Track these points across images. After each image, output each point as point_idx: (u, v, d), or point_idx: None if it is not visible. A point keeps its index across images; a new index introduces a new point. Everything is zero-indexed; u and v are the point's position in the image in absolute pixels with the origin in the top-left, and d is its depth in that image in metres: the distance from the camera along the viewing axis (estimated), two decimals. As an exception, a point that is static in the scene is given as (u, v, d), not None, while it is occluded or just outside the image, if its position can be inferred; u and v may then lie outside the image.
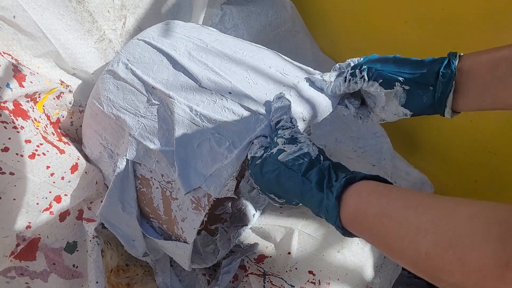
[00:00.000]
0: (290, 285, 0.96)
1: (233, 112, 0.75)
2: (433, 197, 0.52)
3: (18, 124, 0.75)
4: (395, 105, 0.77)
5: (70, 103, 0.94)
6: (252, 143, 0.73)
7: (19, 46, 0.85)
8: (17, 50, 0.85)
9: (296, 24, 1.30)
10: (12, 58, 0.83)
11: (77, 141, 0.98)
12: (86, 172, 0.88)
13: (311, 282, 0.96)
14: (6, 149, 0.73)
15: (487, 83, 0.67)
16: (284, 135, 0.70)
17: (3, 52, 0.81)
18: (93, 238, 0.89)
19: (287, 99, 0.74)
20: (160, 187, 0.80)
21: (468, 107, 0.71)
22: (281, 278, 0.98)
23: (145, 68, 0.84)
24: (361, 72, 0.77)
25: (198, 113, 0.76)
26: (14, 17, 0.81)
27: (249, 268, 1.02)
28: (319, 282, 0.95)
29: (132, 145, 0.81)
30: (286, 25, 1.27)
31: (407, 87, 0.74)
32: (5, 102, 0.75)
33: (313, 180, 0.63)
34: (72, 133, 0.97)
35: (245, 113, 0.75)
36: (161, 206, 0.82)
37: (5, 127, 0.73)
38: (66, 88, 0.93)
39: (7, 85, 0.76)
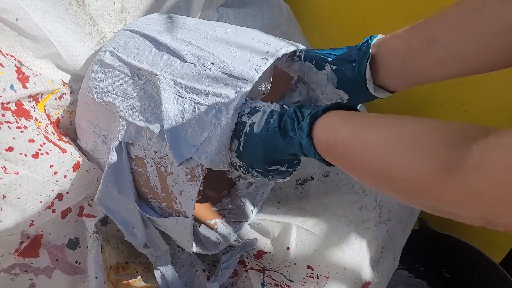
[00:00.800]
0: (289, 279, 0.97)
1: (216, 81, 0.77)
2: (393, 117, 0.56)
3: (22, 124, 0.76)
4: (332, 88, 0.81)
5: (71, 103, 0.95)
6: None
7: (21, 47, 0.85)
8: (19, 51, 0.85)
9: (292, 26, 1.30)
10: (15, 59, 0.83)
11: (76, 140, 0.98)
12: (87, 170, 0.89)
13: (310, 277, 0.96)
14: (10, 149, 0.74)
15: (405, 60, 0.70)
16: (245, 111, 0.74)
17: (6, 54, 0.82)
18: (93, 233, 0.90)
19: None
20: (154, 164, 0.81)
21: (394, 83, 0.75)
22: (280, 273, 0.98)
23: (131, 53, 0.86)
24: (300, 52, 0.83)
25: (183, 86, 0.78)
26: (16, 19, 0.81)
27: (248, 263, 1.03)
28: (318, 277, 0.96)
29: (123, 126, 0.82)
30: (282, 27, 1.27)
31: (334, 66, 0.78)
32: (8, 103, 0.75)
33: (288, 128, 0.67)
34: (71, 132, 0.97)
35: (229, 80, 0.76)
36: (157, 183, 0.83)
37: (9, 127, 0.73)
38: (68, 89, 0.93)
39: (11, 86, 0.76)
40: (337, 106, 0.65)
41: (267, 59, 0.78)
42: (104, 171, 0.84)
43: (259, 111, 0.72)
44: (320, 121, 0.63)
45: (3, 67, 0.76)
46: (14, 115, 0.75)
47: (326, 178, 1.21)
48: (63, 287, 0.88)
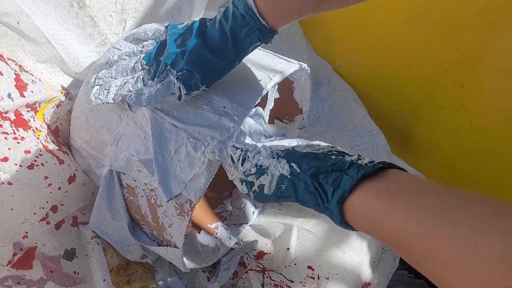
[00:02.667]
0: (289, 280, 0.95)
1: (207, 117, 0.73)
2: (444, 212, 0.42)
3: (19, 135, 0.74)
4: None
5: (69, 111, 0.92)
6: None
7: (23, 51, 0.83)
8: (21, 55, 0.83)
9: (292, 27, 1.29)
10: (16, 64, 0.81)
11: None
12: (83, 184, 0.87)
13: (310, 277, 0.95)
14: (5, 159, 0.72)
15: None
16: (250, 171, 0.65)
17: (8, 58, 0.79)
18: (92, 239, 0.88)
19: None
20: (145, 195, 0.79)
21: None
22: (280, 273, 0.96)
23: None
24: None
25: (173, 120, 0.74)
26: (18, 23, 0.79)
27: (248, 264, 1.01)
28: (318, 277, 0.94)
29: (114, 155, 0.79)
30: (283, 28, 1.24)
31: None
32: (6, 112, 0.73)
33: (310, 204, 0.57)
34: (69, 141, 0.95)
35: (219, 116, 0.73)
36: (148, 213, 0.81)
37: (5, 138, 0.72)
38: (67, 96, 0.91)
39: (8, 95, 0.74)
40: (363, 176, 0.51)
41: (259, 92, 0.75)
42: (97, 198, 0.82)
43: (267, 173, 0.62)
44: (350, 205, 0.51)
45: (2, 75, 0.74)
46: (12, 125, 0.74)
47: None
48: (56, 299, 0.87)
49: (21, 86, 0.77)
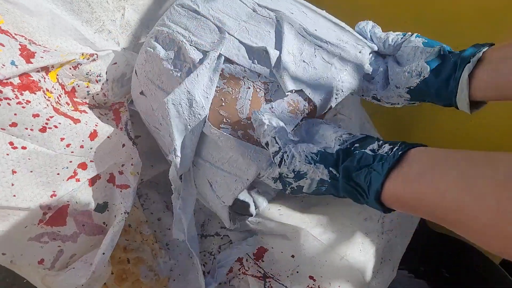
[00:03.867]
0: (290, 289, 0.95)
1: (340, 33, 0.80)
2: (466, 187, 0.46)
3: (23, 99, 0.72)
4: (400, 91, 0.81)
5: (87, 74, 0.90)
6: None
7: (31, 27, 0.81)
8: (31, 31, 0.81)
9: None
10: (25, 39, 0.80)
11: (97, 107, 0.96)
12: (108, 137, 0.86)
13: (311, 288, 0.94)
14: (14, 125, 0.72)
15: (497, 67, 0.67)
16: (288, 175, 0.68)
17: (15, 34, 0.78)
18: (124, 213, 0.88)
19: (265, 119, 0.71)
20: (253, 87, 0.76)
21: (486, 95, 0.70)
22: (282, 284, 0.96)
23: None
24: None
25: (306, 29, 0.77)
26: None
27: (249, 268, 1.00)
28: (319, 288, 0.94)
29: (229, 42, 0.76)
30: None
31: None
32: (8, 78, 0.72)
33: (352, 199, 0.63)
34: (90, 100, 0.95)
35: (353, 39, 0.81)
36: (246, 107, 0.76)
37: (8, 104, 0.70)
38: (89, 59, 0.89)
39: (12, 62, 0.72)
40: (388, 169, 0.56)
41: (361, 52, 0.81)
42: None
43: (305, 177, 0.65)
44: (384, 197, 0.57)
45: (3, 46, 0.72)
46: (15, 89, 0.72)
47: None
48: (86, 247, 0.88)
49: (27, 55, 0.75)
